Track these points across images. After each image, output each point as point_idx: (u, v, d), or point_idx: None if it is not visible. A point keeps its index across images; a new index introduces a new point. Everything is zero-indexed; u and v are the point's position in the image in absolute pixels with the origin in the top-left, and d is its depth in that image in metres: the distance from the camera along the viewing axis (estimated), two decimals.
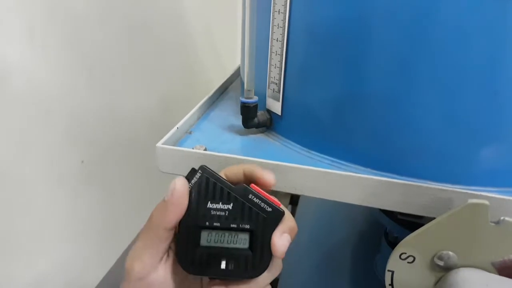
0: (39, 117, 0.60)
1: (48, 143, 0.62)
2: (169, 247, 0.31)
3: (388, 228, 0.50)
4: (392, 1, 0.34)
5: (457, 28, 0.33)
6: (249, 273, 0.30)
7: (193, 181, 0.30)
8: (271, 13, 0.41)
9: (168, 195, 0.29)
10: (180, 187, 0.29)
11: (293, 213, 1.13)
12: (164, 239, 0.29)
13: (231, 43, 1.22)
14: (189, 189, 0.30)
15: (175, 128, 0.45)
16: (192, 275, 0.31)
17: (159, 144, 0.42)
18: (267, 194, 0.31)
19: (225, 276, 0.30)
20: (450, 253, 0.34)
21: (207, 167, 0.31)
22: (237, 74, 0.67)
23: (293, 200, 1.33)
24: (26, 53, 0.55)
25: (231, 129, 0.49)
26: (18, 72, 0.54)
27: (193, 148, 0.42)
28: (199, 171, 0.31)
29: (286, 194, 1.41)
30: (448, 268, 0.34)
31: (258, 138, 0.47)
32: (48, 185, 0.64)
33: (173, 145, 0.44)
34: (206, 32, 1.12)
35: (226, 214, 0.30)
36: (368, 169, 0.40)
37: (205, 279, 0.33)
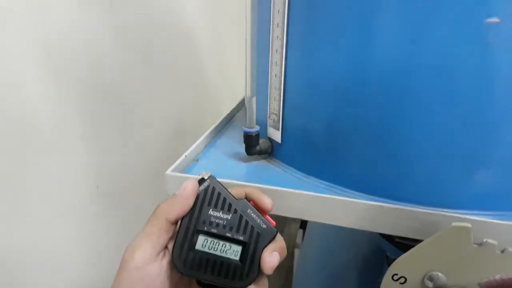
0: (57, 144, 0.63)
1: (65, 169, 0.66)
2: (166, 247, 0.33)
3: (387, 252, 0.52)
4: (381, 51, 0.38)
5: (441, 68, 0.36)
6: (235, 283, 0.32)
7: (200, 188, 0.33)
8: (270, 53, 0.45)
9: (180, 191, 0.32)
10: (192, 186, 0.33)
11: (303, 237, 1.14)
12: (164, 230, 0.32)
13: (242, 71, 1.27)
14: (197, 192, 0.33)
15: (183, 156, 0.49)
16: (181, 274, 0.32)
17: (168, 172, 0.46)
18: (265, 213, 0.34)
19: (213, 282, 0.32)
20: (439, 274, 0.36)
21: (214, 177, 0.34)
22: (242, 103, 0.70)
23: (304, 225, 1.35)
24: (44, 81, 0.59)
25: (236, 156, 0.52)
26: (36, 101, 0.58)
27: (199, 175, 0.46)
28: (208, 180, 0.34)
29: (297, 219, 1.43)
30: None
31: (260, 165, 0.51)
32: (65, 209, 0.67)
33: (181, 172, 0.47)
34: (218, 60, 1.17)
35: (224, 223, 0.33)
36: (362, 194, 0.42)
37: (194, 284, 0.35)
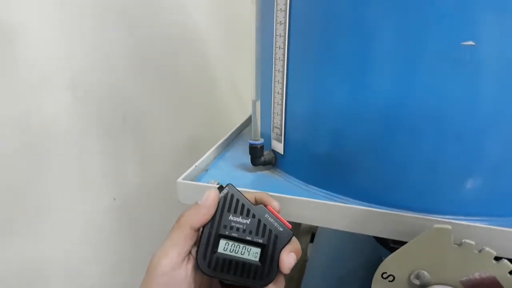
0: (77, 157, 0.67)
1: (84, 181, 0.70)
2: (190, 252, 0.35)
3: (383, 257, 0.55)
4: (377, 82, 0.43)
5: (429, 93, 0.41)
6: (256, 283, 0.35)
7: (220, 195, 0.36)
8: (273, 71, 0.50)
9: (202, 200, 0.35)
10: (214, 195, 0.35)
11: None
12: (189, 238, 0.34)
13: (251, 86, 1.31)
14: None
15: (193, 166, 0.53)
16: (206, 275, 0.35)
17: (179, 180, 0.50)
18: (281, 217, 0.36)
19: (235, 282, 0.35)
20: (424, 272, 0.39)
21: (233, 185, 0.37)
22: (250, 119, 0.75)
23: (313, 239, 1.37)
24: (68, 101, 0.64)
25: (242, 167, 0.56)
26: (61, 118, 0.63)
27: (208, 183, 0.50)
28: (226, 187, 0.36)
29: (308, 232, 1.45)
30: (423, 286, 0.39)
31: (264, 174, 0.55)
32: (82, 220, 0.70)
33: (192, 181, 0.52)
34: (229, 77, 1.22)
35: (244, 227, 0.35)
36: (356, 201, 0.46)
37: (215, 285, 0.38)
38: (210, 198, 0.35)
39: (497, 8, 0.37)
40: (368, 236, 0.51)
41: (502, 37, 0.38)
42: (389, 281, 0.40)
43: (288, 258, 0.35)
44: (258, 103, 0.52)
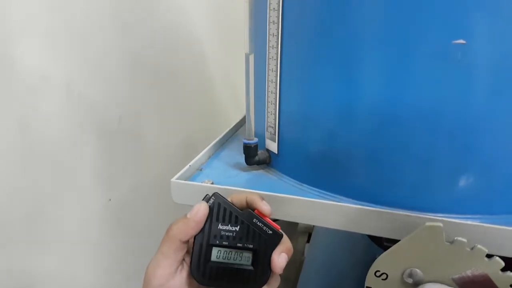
0: (73, 158, 0.67)
1: (80, 182, 0.70)
2: (183, 260, 0.36)
3: (377, 255, 0.55)
4: (368, 83, 0.43)
5: (420, 92, 0.41)
6: (251, 286, 0.36)
7: (207, 204, 0.36)
8: (266, 70, 0.50)
9: (192, 214, 0.35)
10: (204, 210, 0.36)
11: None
12: (179, 249, 0.35)
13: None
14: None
15: (187, 166, 0.53)
16: (202, 285, 0.36)
17: (173, 179, 0.50)
18: (269, 220, 0.37)
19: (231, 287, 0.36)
20: (417, 270, 0.39)
21: (219, 194, 0.37)
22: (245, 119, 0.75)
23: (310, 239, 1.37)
24: (64, 102, 0.64)
25: (236, 166, 0.56)
26: (57, 119, 0.63)
27: (202, 182, 0.50)
28: (213, 197, 0.37)
29: (304, 232, 1.46)
30: (416, 284, 0.39)
31: (258, 174, 0.55)
32: (78, 221, 0.70)
33: (186, 180, 0.52)
34: (225, 77, 1.22)
35: (234, 235, 0.36)
36: (350, 199, 0.46)
37: None
38: (200, 213, 0.36)
39: (488, 6, 0.37)
40: (363, 235, 0.51)
41: (493, 36, 0.38)
42: (383, 279, 0.40)
43: (279, 259, 0.36)
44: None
